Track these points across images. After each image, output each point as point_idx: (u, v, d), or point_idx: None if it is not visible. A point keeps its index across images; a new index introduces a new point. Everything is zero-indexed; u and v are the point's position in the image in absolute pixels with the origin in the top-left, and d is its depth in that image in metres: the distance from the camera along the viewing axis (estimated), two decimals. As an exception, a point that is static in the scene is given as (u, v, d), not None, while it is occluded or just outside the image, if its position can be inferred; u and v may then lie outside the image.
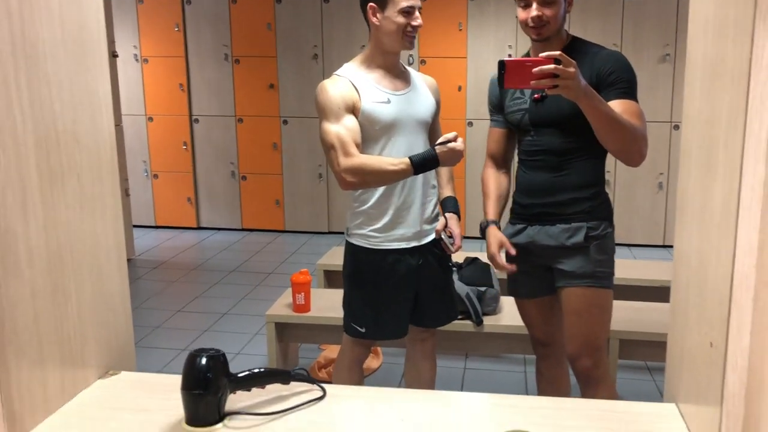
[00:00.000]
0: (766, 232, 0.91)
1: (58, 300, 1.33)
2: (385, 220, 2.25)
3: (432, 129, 2.38)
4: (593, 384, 2.15)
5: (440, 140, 2.15)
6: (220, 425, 1.29)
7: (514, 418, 1.29)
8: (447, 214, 2.38)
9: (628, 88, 2.03)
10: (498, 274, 3.07)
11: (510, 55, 5.73)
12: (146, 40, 6.33)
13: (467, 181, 5.96)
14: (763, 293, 0.92)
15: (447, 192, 2.44)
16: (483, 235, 2.28)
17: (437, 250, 2.36)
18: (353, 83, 2.21)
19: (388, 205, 2.25)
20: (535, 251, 2.22)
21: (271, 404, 1.36)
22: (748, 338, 0.96)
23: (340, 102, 2.15)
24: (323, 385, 1.43)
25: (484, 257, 3.32)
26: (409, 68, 2.39)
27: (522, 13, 2.05)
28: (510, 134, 2.33)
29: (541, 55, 1.76)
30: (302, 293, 3.14)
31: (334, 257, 4.02)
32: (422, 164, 2.13)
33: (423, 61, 5.91)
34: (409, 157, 2.12)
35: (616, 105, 1.96)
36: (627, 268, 3.72)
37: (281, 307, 3.25)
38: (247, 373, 1.35)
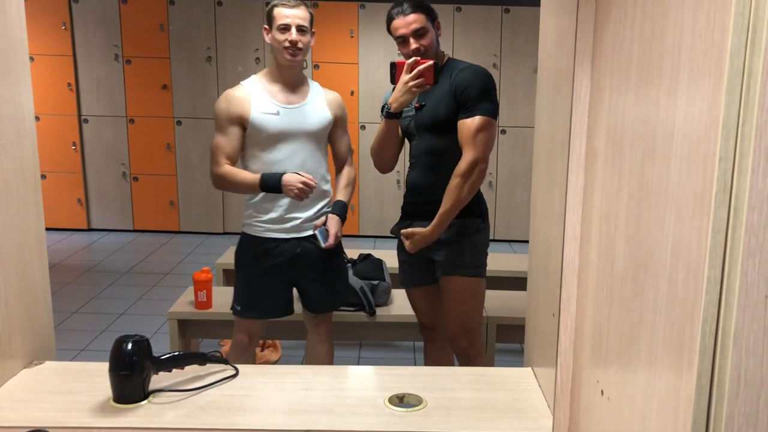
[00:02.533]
0: (584, 226, 1.21)
1: (-11, 295, 1.45)
2: (272, 215, 2.52)
3: (334, 139, 2.64)
4: (470, 361, 2.46)
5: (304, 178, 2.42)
6: (145, 402, 1.46)
7: (403, 384, 1.54)
8: (329, 214, 2.63)
9: (474, 105, 2.33)
10: (390, 270, 3.34)
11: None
12: (33, 39, 6.17)
13: (362, 181, 6.22)
14: (583, 272, 1.21)
15: (339, 196, 2.67)
16: (388, 114, 2.37)
17: (315, 242, 2.60)
18: (249, 94, 2.45)
19: (274, 203, 2.50)
20: None
21: (191, 382, 1.54)
22: (574, 306, 1.25)
23: (226, 115, 2.44)
24: (236, 365, 1.63)
25: (377, 254, 3.59)
26: (313, 83, 2.61)
27: (403, 49, 2.36)
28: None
29: (420, 61, 2.25)
30: (204, 291, 3.27)
31: (232, 256, 4.14)
32: (267, 185, 2.40)
33: (316, 66, 6.13)
34: (262, 175, 2.41)
35: (462, 125, 2.32)
36: (505, 260, 4.09)
37: (183, 304, 3.37)
38: (168, 355, 1.53)
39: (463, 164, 2.31)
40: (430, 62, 2.25)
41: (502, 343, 3.44)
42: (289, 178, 2.39)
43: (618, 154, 1.03)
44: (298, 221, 2.55)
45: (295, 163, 2.48)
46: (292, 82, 2.52)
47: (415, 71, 2.24)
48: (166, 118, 6.33)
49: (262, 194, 2.49)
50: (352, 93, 6.14)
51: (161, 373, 1.52)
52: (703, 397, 0.75)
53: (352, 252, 3.58)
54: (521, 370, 1.65)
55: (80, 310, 4.37)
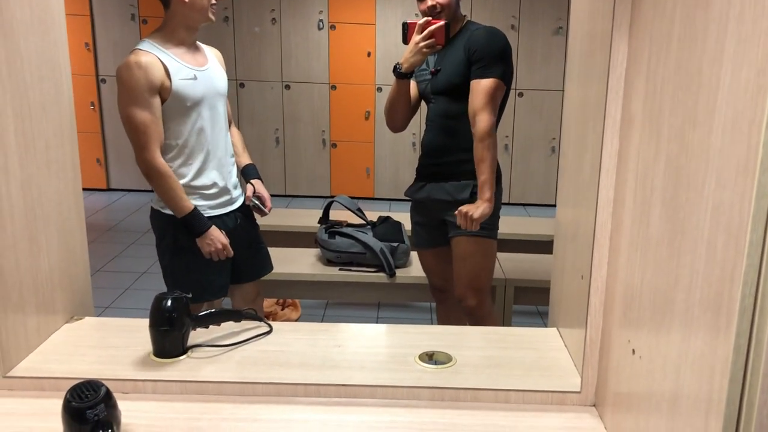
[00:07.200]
0: (618, 190, 1.23)
1: (33, 251, 1.50)
2: (208, 191, 2.38)
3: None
4: (479, 321, 2.51)
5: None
6: (184, 356, 1.51)
7: (431, 342, 1.59)
8: (252, 181, 2.55)
9: (485, 66, 2.35)
10: (408, 232, 3.38)
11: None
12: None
13: (376, 144, 6.23)
14: (615, 234, 1.24)
15: (246, 160, 2.57)
16: (399, 74, 2.40)
17: (248, 212, 2.56)
18: (160, 60, 2.21)
19: (208, 180, 2.37)
20: (431, 206, 2.54)
21: (227, 338, 1.59)
22: (605, 269, 1.28)
23: (147, 85, 2.16)
24: (270, 322, 1.67)
25: (395, 216, 3.63)
26: (198, 42, 2.42)
27: (420, 5, 2.38)
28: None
29: (432, 21, 2.28)
30: (227, 250, 3.32)
31: (252, 217, 4.20)
32: (190, 223, 2.29)
33: (333, 26, 6.08)
34: (195, 209, 2.29)
35: (476, 84, 2.34)
36: (521, 224, 4.12)
37: (205, 264, 3.43)
38: (205, 312, 1.58)
39: (482, 128, 2.32)
40: (442, 22, 2.26)
41: (518, 305, 3.49)
42: (217, 234, 2.31)
43: (656, 120, 1.05)
44: (231, 194, 2.46)
45: (217, 129, 2.36)
46: (194, 43, 2.35)
47: (426, 31, 2.26)
48: (182, 79, 6.33)
49: (192, 173, 2.32)
50: (369, 54, 6.10)
51: (199, 330, 1.57)
52: (741, 356, 0.79)
53: (370, 215, 3.62)
54: (546, 330, 1.69)
55: (103, 268, 4.45)
